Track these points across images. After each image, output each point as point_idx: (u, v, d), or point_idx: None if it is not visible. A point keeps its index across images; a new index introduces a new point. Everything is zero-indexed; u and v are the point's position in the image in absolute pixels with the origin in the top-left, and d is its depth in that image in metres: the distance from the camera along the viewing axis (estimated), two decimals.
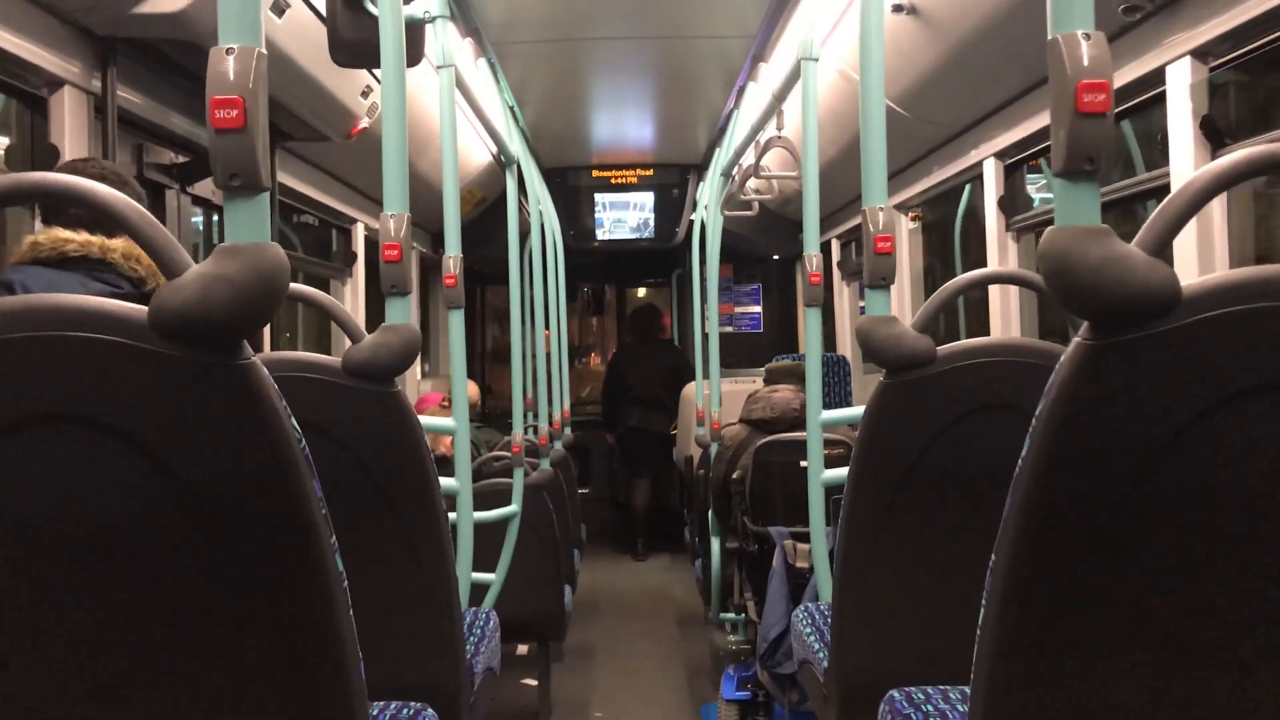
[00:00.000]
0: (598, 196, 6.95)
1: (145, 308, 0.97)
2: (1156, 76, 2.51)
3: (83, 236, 1.67)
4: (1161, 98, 2.50)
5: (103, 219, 1.72)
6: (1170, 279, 0.94)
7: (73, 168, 1.88)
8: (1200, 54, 2.39)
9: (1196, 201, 0.98)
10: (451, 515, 2.36)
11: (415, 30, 2.39)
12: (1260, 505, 0.97)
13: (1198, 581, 0.99)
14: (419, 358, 5.86)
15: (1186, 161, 2.41)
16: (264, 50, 1.01)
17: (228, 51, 1.00)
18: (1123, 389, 0.96)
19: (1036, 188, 3.59)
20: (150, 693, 1.04)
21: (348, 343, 1.87)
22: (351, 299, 4.81)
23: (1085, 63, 0.98)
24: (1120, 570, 1.01)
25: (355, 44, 2.35)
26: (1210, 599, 1.00)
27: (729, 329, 7.85)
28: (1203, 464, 0.97)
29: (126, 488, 0.99)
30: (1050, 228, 0.99)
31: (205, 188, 3.19)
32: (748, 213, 4.57)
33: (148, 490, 0.99)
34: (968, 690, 1.13)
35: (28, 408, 0.97)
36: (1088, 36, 0.99)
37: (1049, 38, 1.00)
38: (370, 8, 2.19)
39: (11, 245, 2.51)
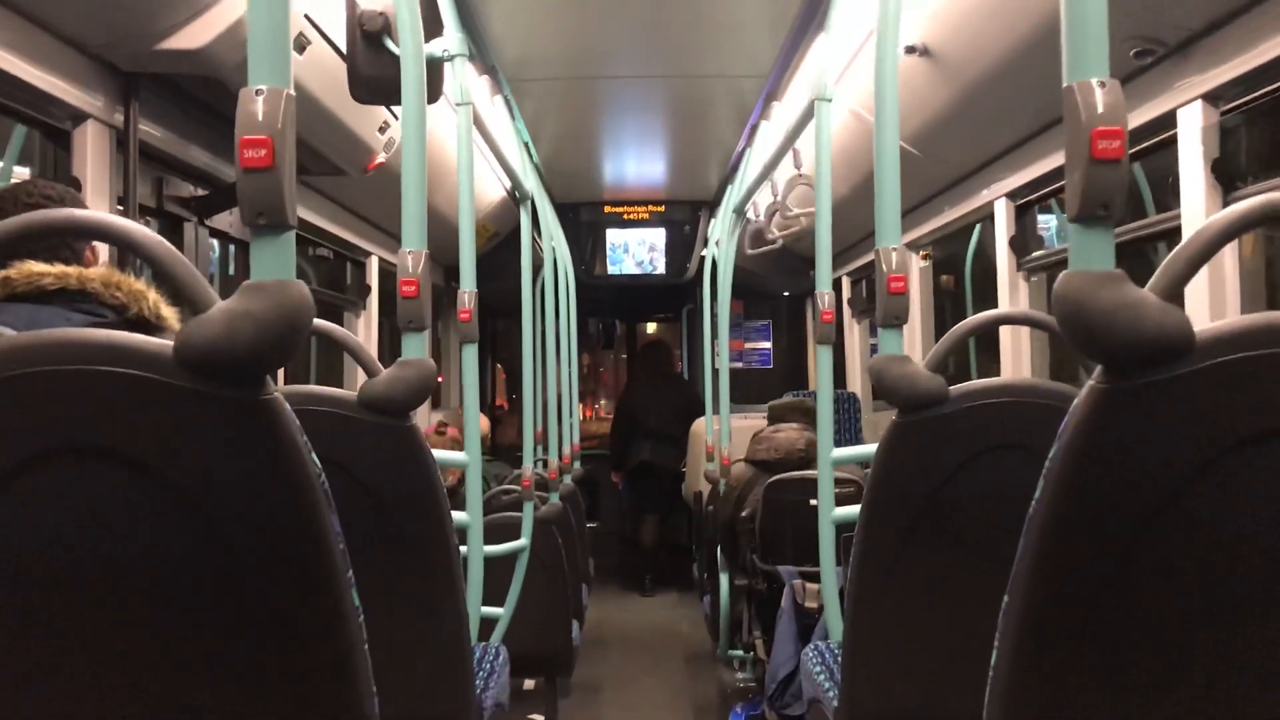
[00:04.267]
0: (610, 232, 6.99)
1: (170, 343, 0.98)
2: (1168, 120, 2.52)
3: (58, 268, 1.59)
4: (1173, 141, 2.52)
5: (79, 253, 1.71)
6: (1183, 324, 0.95)
7: (13, 197, 1.76)
8: (1212, 98, 2.40)
9: (1210, 247, 0.99)
10: (461, 549, 2.36)
11: (435, 68, 2.43)
12: (1275, 549, 0.97)
13: (1212, 626, 0.99)
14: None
15: (1198, 204, 2.42)
16: (292, 92, 1.03)
17: (257, 93, 1.01)
18: (1136, 433, 0.97)
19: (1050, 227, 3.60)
20: None
21: (361, 375, 1.89)
22: (365, 331, 4.83)
23: (1100, 110, 0.99)
24: (1134, 614, 1.01)
25: (375, 81, 2.39)
26: (1226, 643, 1.00)
27: (739, 365, 7.85)
28: (1216, 509, 0.97)
29: (148, 520, 1.00)
30: (1065, 272, 1.00)
31: (223, 221, 3.23)
32: (772, 247, 4.58)
33: (169, 523, 1.00)
34: None
35: (52, 441, 0.98)
36: (1102, 84, 1.00)
37: (1064, 85, 1.02)
38: (391, 46, 2.22)
39: None
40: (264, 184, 1.00)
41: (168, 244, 1.02)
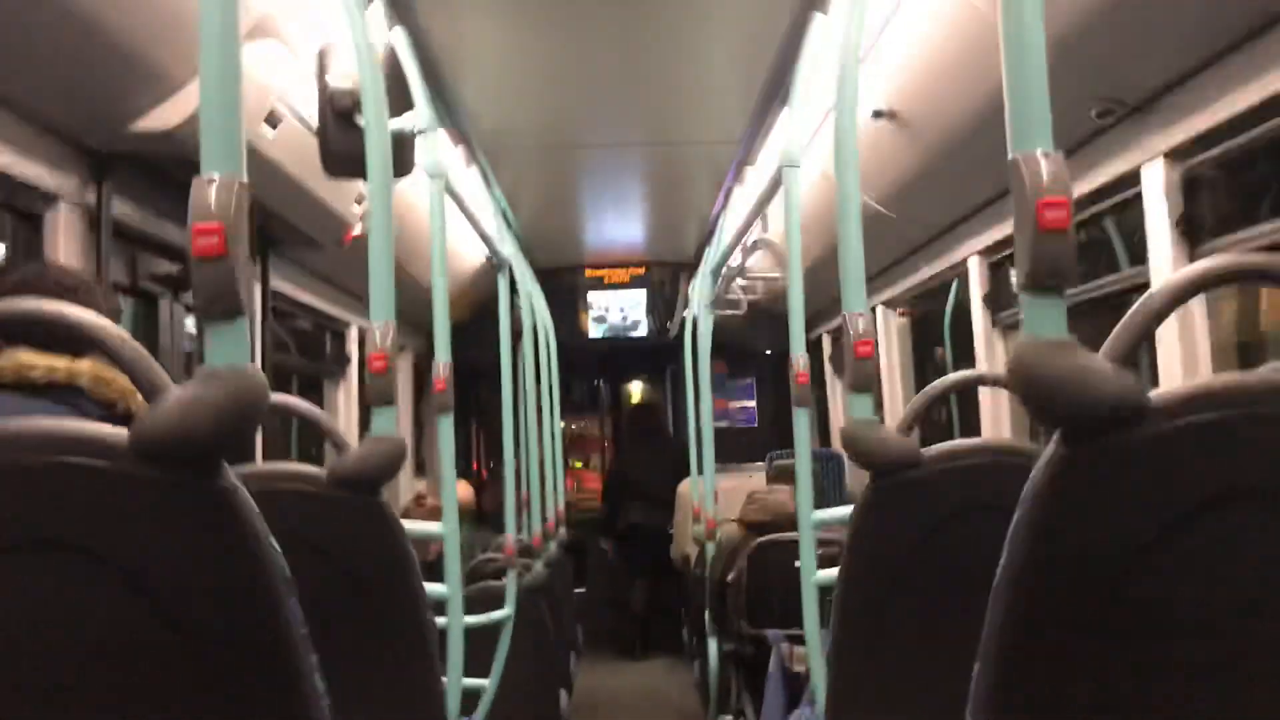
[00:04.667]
0: (590, 295, 7.02)
1: (125, 430, 0.97)
2: (1133, 177, 2.56)
3: (47, 362, 1.58)
4: (1139, 198, 2.55)
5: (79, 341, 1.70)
6: (1136, 389, 0.96)
7: (32, 285, 1.72)
8: (1174, 155, 2.44)
9: (1162, 311, 1.00)
10: (441, 620, 2.33)
11: (405, 141, 2.45)
12: (1237, 611, 0.97)
13: (1179, 689, 0.99)
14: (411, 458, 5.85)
15: (1165, 259, 2.45)
16: (245, 180, 1.03)
17: (209, 180, 1.02)
18: (1094, 498, 0.97)
19: None
20: None
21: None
22: (345, 401, 4.82)
23: (1045, 180, 1.01)
24: (1101, 678, 1.00)
25: (346, 156, 2.41)
26: (1192, 706, 0.99)
27: (723, 424, 7.83)
28: (1178, 571, 0.97)
29: (105, 611, 0.99)
30: (1018, 341, 1.01)
31: None
32: (736, 311, 4.61)
33: (126, 613, 0.99)
34: None
35: (5, 533, 0.97)
36: (1047, 155, 1.02)
37: (1009, 157, 1.03)
38: (359, 122, 2.24)
39: None
40: (217, 272, 1.00)
41: (118, 330, 1.01)
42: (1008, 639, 1.02)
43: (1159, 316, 1.00)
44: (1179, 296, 1.01)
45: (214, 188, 1.01)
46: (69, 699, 1.00)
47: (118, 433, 0.98)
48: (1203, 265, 1.02)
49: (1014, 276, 3.59)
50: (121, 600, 0.99)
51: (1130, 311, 1.00)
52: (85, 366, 1.57)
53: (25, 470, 0.96)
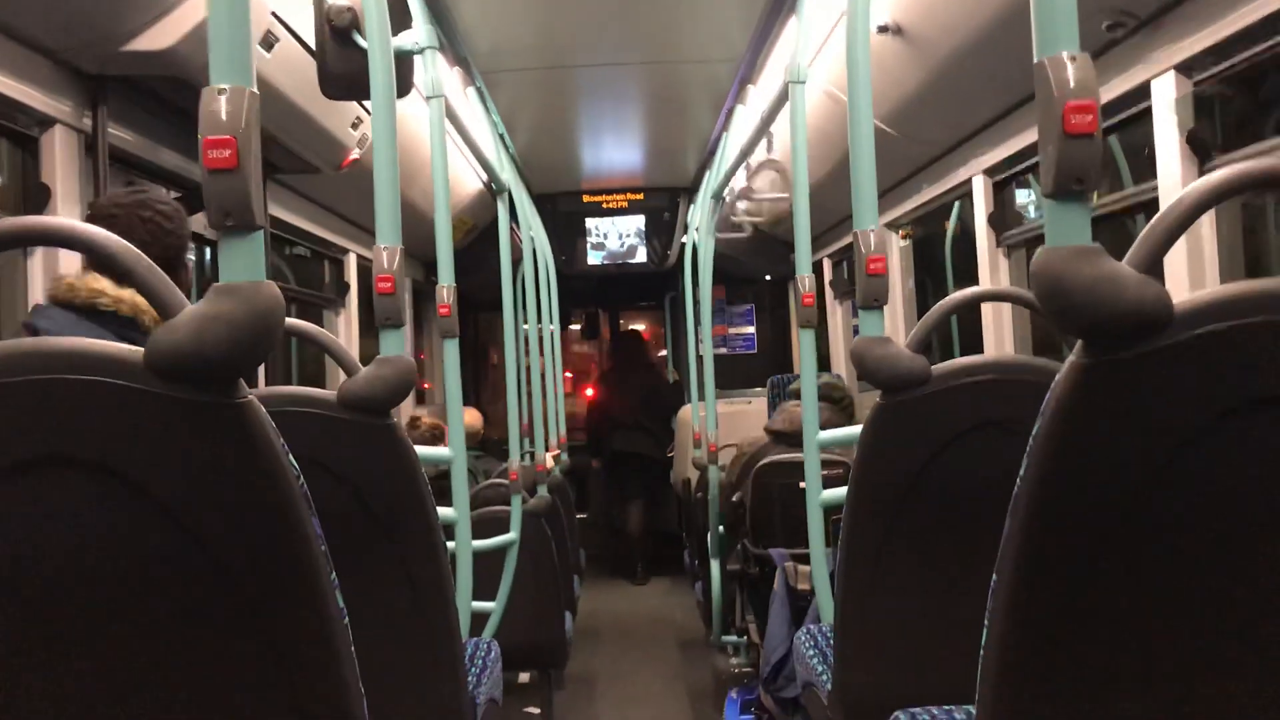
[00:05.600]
0: (589, 221, 6.97)
1: (141, 349, 0.97)
2: (1143, 91, 2.52)
3: (116, 292, 1.66)
4: (1148, 112, 2.52)
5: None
6: (1162, 296, 0.95)
7: (107, 213, 1.86)
8: (1185, 68, 2.40)
9: (1186, 218, 0.98)
10: (450, 544, 2.35)
11: (404, 61, 2.41)
12: (1262, 518, 0.97)
13: (1203, 596, 0.99)
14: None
15: (1174, 175, 2.43)
16: (255, 90, 1.01)
17: (219, 92, 1.00)
18: (1119, 407, 0.97)
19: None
20: None
21: (341, 374, 1.87)
22: (345, 329, 4.81)
23: (1071, 84, 0.98)
24: (1123, 587, 1.00)
25: (345, 77, 2.37)
26: (1216, 614, 0.99)
27: (723, 350, 7.85)
28: (1202, 479, 0.97)
29: (125, 530, 0.99)
30: (1041, 248, 1.00)
31: (198, 222, 3.20)
32: (740, 234, 4.56)
33: (146, 532, 0.99)
34: (973, 710, 1.13)
35: (25, 451, 0.96)
36: (1073, 58, 0.99)
37: (1035, 60, 1.01)
38: (360, 41, 2.20)
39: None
40: (230, 184, 0.99)
41: (135, 250, 1.00)
42: (1027, 549, 1.02)
43: (1184, 224, 0.99)
44: (1205, 203, 0.99)
45: (224, 99, 0.99)
46: (88, 614, 1.01)
47: (134, 350, 0.97)
48: (1229, 171, 1.00)
49: (1018, 196, 3.57)
50: (139, 517, 0.99)
51: (1155, 218, 0.99)
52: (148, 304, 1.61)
53: (40, 387, 0.96)
